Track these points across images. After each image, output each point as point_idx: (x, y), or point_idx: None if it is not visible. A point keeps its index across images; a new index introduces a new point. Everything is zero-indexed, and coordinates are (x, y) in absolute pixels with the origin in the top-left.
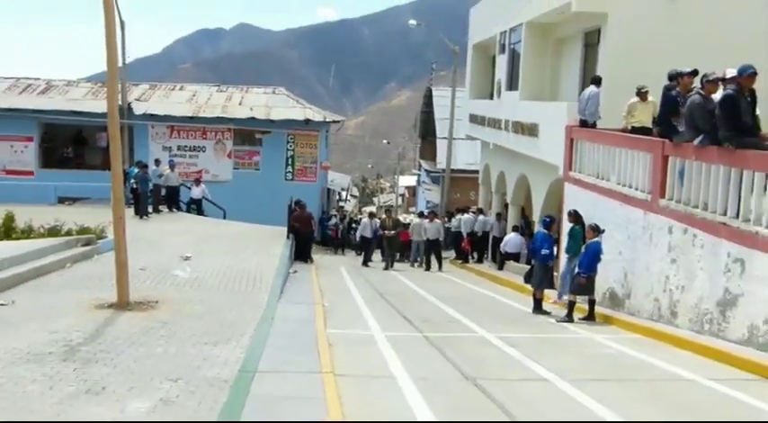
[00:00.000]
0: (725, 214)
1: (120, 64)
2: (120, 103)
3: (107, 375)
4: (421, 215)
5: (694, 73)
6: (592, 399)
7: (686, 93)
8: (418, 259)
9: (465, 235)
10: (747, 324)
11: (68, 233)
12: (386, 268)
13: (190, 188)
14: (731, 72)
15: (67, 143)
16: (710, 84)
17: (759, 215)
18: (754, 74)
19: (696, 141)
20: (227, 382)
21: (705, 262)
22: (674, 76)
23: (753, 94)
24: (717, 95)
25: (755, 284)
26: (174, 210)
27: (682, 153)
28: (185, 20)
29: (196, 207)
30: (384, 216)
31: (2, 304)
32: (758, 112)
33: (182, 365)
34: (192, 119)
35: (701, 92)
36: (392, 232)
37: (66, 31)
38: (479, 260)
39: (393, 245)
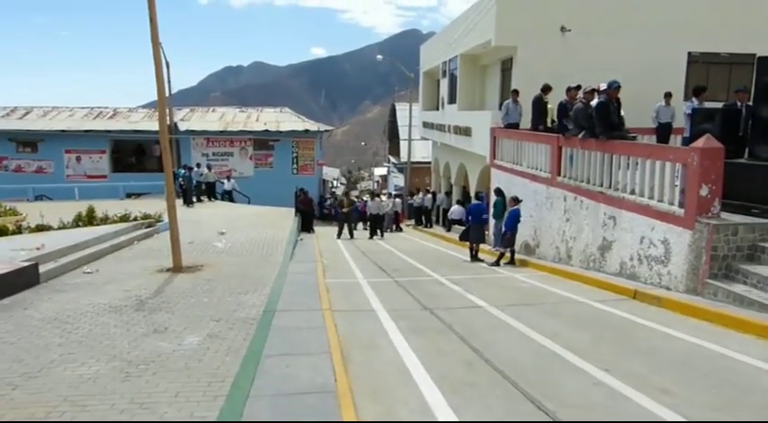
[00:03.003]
0: (601, 185)
1: (167, 94)
2: (168, 123)
3: (168, 319)
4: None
5: (578, 87)
6: (511, 317)
7: (573, 101)
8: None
9: (399, 211)
10: (619, 261)
11: (135, 219)
12: (351, 236)
13: (223, 183)
14: (603, 86)
15: (131, 153)
16: (588, 94)
17: (624, 185)
18: (619, 87)
19: (580, 135)
20: (255, 320)
21: (589, 219)
22: (544, 89)
23: (618, 101)
24: (594, 102)
25: (623, 234)
26: (212, 199)
27: (571, 144)
28: (214, 59)
29: (228, 196)
30: (343, 197)
31: (88, 272)
32: (623, 113)
33: (222, 310)
34: (222, 132)
35: (583, 100)
36: (347, 209)
37: (126, 66)
38: (429, 225)
39: (350, 218)
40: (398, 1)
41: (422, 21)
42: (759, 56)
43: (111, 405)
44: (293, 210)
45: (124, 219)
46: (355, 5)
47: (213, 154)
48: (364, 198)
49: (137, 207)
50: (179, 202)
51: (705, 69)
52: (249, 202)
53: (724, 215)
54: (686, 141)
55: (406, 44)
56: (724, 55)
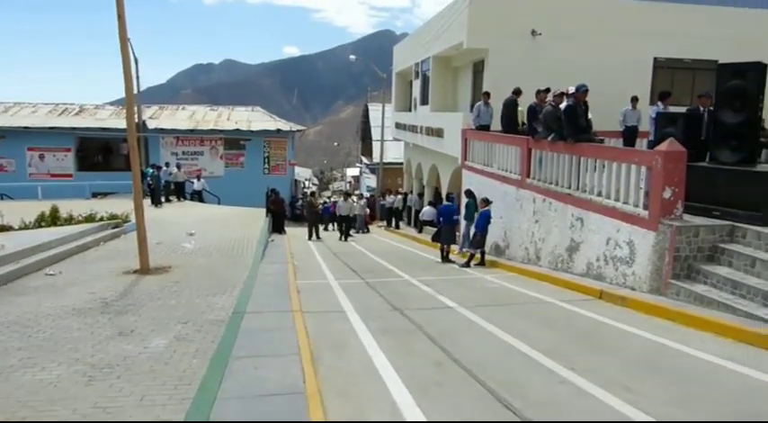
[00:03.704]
0: (569, 187)
1: (135, 91)
2: (136, 121)
3: (134, 322)
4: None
5: (547, 90)
6: (480, 317)
7: (542, 104)
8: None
9: (368, 211)
10: (586, 262)
11: (101, 219)
12: (318, 237)
13: (192, 182)
14: (572, 89)
15: (97, 152)
16: (557, 97)
17: (591, 187)
18: (587, 90)
19: (549, 138)
20: (223, 322)
21: (557, 221)
22: (516, 92)
23: (586, 104)
24: (562, 105)
25: (590, 235)
26: (181, 199)
27: (540, 146)
28: (184, 56)
29: (198, 196)
30: (310, 198)
31: (51, 274)
32: (590, 116)
33: (190, 312)
34: (192, 131)
35: (552, 103)
36: (317, 209)
37: (94, 62)
38: (397, 226)
39: (318, 219)
40: (372, 1)
41: (395, 21)
42: (720, 62)
43: (73, 410)
44: (264, 210)
45: (90, 219)
46: (329, 5)
47: (183, 153)
48: (333, 199)
49: (103, 207)
50: (147, 201)
51: (670, 74)
52: (219, 203)
53: (686, 217)
54: (651, 145)
55: (380, 44)
56: (687, 61)
